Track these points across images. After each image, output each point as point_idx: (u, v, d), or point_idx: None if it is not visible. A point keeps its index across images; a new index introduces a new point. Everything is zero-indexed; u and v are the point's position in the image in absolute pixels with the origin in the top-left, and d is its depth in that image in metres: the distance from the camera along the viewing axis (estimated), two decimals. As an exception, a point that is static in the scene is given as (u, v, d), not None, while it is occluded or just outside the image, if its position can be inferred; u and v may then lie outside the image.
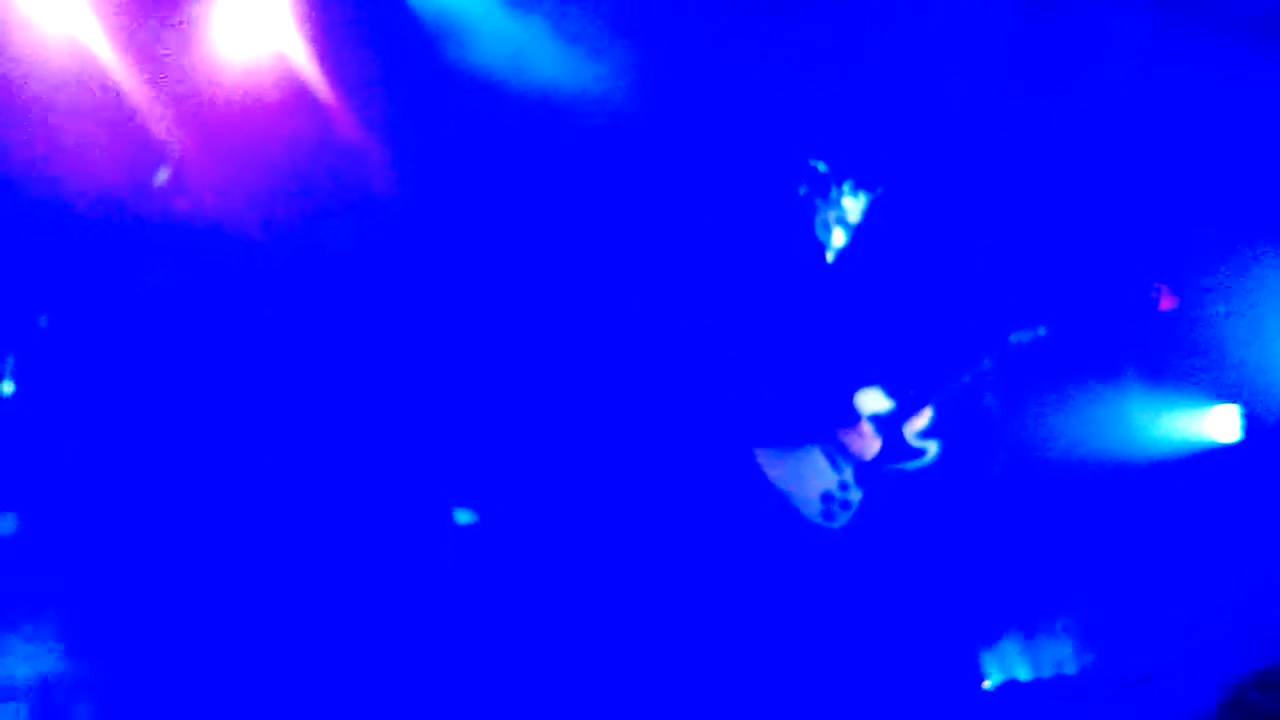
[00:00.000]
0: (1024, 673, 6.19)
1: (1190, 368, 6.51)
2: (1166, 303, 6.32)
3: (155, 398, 6.04)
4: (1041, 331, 5.81)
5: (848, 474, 5.84)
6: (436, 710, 5.89)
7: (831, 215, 5.87)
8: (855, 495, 5.82)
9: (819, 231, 5.92)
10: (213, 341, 6.18)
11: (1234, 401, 6.51)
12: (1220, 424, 6.51)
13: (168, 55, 6.12)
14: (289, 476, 6.26)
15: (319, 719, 5.78)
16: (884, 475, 5.84)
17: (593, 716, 5.85)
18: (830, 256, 5.93)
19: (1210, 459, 6.49)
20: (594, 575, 6.26)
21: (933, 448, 5.87)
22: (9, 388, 5.86)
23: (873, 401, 5.89)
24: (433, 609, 6.14)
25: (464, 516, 6.57)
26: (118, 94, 6.02)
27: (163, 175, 6.10)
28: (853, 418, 5.85)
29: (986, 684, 6.18)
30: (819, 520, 5.81)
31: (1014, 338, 5.81)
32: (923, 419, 5.85)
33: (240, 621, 5.92)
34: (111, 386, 6.04)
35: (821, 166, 5.86)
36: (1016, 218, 6.39)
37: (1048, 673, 6.18)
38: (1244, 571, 6.07)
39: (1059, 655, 6.24)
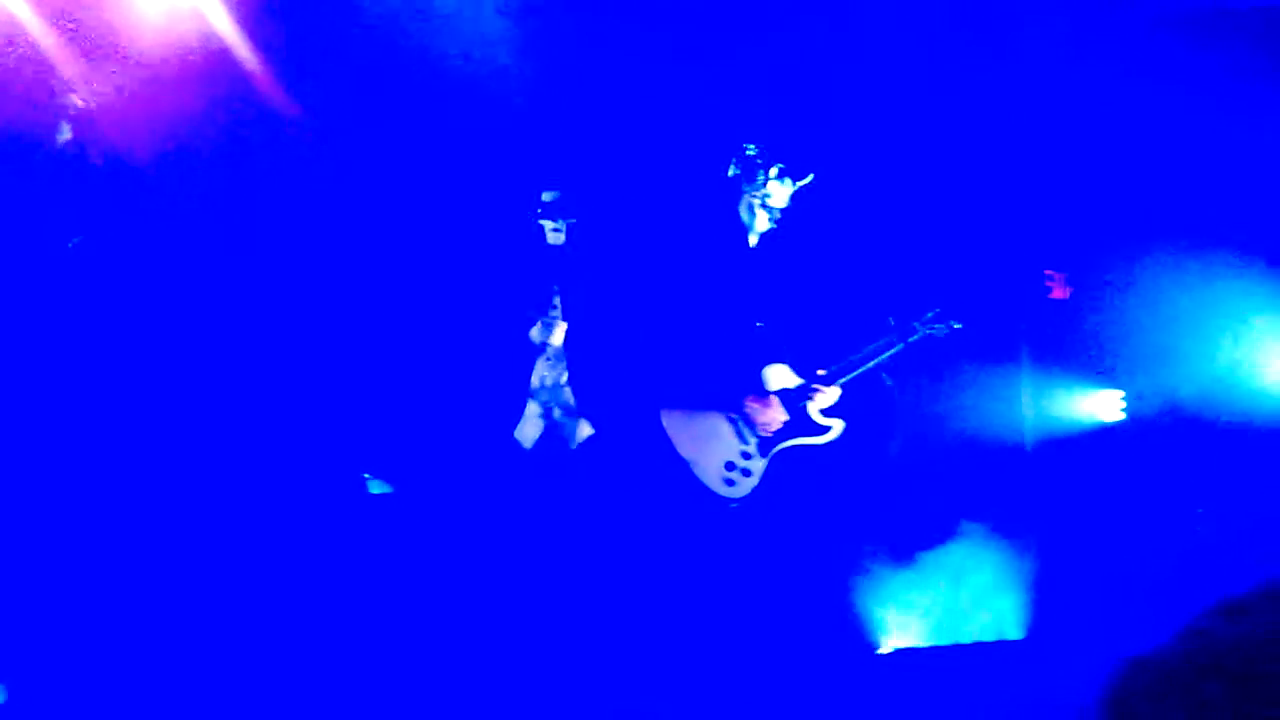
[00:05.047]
0: (919, 640, 6.41)
1: (1079, 353, 6.76)
2: (1059, 292, 6.60)
3: (47, 367, 5.79)
4: (957, 325, 5.98)
5: (752, 444, 5.94)
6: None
7: (757, 198, 5.99)
8: (757, 465, 5.92)
9: (743, 213, 6.03)
10: (113, 303, 6.00)
11: (1118, 386, 6.80)
12: (1105, 406, 6.80)
13: (84, 9, 5.96)
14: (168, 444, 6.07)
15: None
16: (787, 449, 5.93)
17: (501, 676, 5.85)
18: (753, 239, 6.06)
19: (1095, 438, 6.78)
20: (495, 533, 6.21)
21: (837, 426, 6.02)
22: None
23: (781, 377, 6.02)
24: (346, 580, 6.05)
25: (377, 487, 6.54)
26: (31, 46, 5.85)
27: (65, 133, 5.92)
28: (761, 391, 5.98)
29: (882, 650, 6.38)
30: (720, 488, 5.91)
31: (927, 330, 5.98)
32: (829, 397, 5.99)
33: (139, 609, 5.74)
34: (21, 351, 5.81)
35: (751, 150, 5.95)
36: (923, 210, 6.55)
37: (943, 640, 6.40)
38: (1123, 541, 6.35)
39: (950, 623, 6.47)
